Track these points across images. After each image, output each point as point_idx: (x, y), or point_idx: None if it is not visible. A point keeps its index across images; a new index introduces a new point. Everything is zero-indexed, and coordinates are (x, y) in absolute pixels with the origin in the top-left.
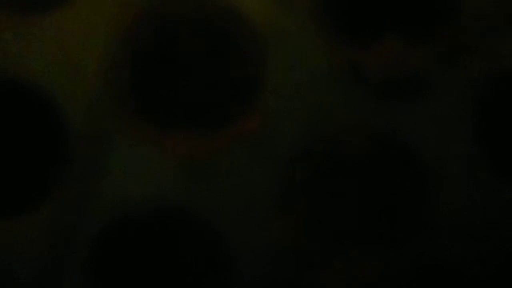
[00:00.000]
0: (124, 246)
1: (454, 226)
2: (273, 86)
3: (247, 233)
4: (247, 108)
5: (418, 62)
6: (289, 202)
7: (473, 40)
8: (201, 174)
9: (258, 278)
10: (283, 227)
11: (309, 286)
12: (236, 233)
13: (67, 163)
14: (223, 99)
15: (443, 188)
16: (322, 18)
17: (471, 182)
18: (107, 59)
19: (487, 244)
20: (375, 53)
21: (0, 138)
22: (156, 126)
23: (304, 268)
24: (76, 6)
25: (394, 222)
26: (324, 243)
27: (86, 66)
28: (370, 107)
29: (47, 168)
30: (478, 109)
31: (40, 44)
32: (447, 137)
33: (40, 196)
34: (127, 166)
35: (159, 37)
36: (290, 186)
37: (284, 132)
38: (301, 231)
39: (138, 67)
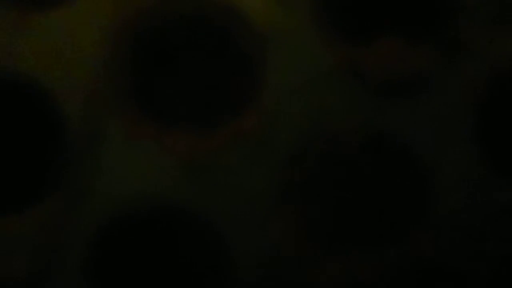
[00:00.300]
0: (123, 245)
1: (453, 226)
2: (272, 85)
3: (246, 232)
4: (246, 107)
5: (418, 62)
6: (288, 202)
7: (473, 40)
8: (200, 172)
9: (257, 278)
10: (282, 226)
11: (308, 286)
12: (235, 232)
13: (64, 161)
14: (222, 97)
15: (442, 188)
16: (322, 17)
17: (470, 182)
18: (106, 57)
19: (486, 244)
20: (375, 52)
21: None
22: (154, 124)
23: (303, 268)
24: (76, 4)
25: (393, 222)
26: (324, 243)
27: (85, 64)
28: (370, 107)
29: (44, 166)
30: (477, 108)
31: (39, 41)
32: (446, 137)
33: (36, 194)
34: (126, 164)
35: (158, 35)
36: (289, 185)
37: (283, 131)
38: (300, 231)
39: (137, 64)
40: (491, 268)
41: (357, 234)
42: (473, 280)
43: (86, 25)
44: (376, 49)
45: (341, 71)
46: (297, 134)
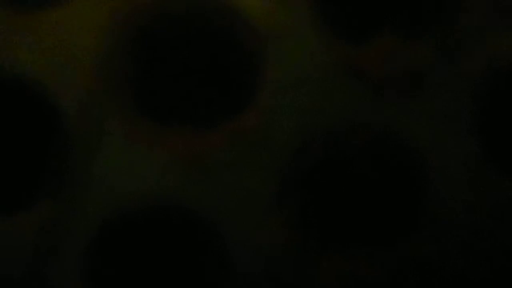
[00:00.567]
0: (121, 245)
1: (453, 224)
2: (272, 83)
3: (245, 230)
4: (246, 106)
5: (416, 58)
6: (288, 200)
7: (471, 36)
8: (199, 171)
9: (256, 276)
10: (280, 224)
11: (306, 284)
12: (234, 230)
13: (63, 161)
14: (221, 96)
15: (441, 185)
16: (321, 16)
17: (470, 179)
18: (104, 56)
19: (486, 242)
20: (373, 50)
21: None
22: (152, 122)
23: (302, 267)
24: (73, 3)
25: (392, 219)
26: (323, 242)
27: (83, 63)
28: (369, 105)
29: (42, 166)
30: (477, 105)
31: (37, 40)
32: (445, 133)
33: (34, 194)
34: (125, 164)
35: (156, 33)
36: (288, 184)
37: (282, 129)
38: (300, 229)
39: (135, 63)
40: (491, 267)
41: (357, 233)
42: (473, 278)
43: (84, 24)
44: (374, 47)
45: (340, 69)
46: (296, 133)
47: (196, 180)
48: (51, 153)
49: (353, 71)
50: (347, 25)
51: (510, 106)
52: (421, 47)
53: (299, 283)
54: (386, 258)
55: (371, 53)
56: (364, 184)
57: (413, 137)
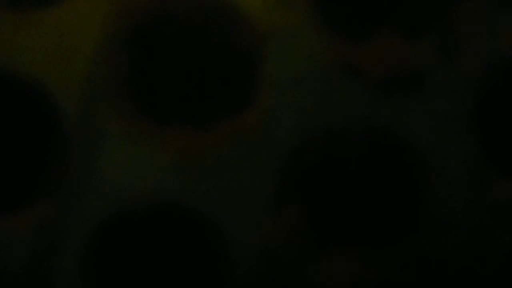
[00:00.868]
0: (120, 242)
1: (452, 223)
2: (271, 82)
3: (245, 229)
4: (246, 105)
5: (416, 57)
6: (287, 199)
7: (470, 34)
8: (197, 170)
9: (254, 274)
10: (281, 224)
11: (304, 283)
12: (234, 228)
13: (62, 159)
14: (221, 95)
15: (441, 184)
16: (320, 15)
17: (470, 178)
18: (102, 53)
19: (486, 242)
20: (372, 48)
21: None
22: (151, 122)
23: (300, 265)
24: (73, 2)
25: (392, 219)
26: (321, 240)
27: (82, 62)
28: (368, 103)
29: (39, 164)
30: (476, 103)
31: (37, 39)
32: (445, 132)
33: (34, 193)
34: (124, 163)
35: (155, 31)
36: (288, 182)
37: (282, 128)
38: (300, 228)
39: (134, 62)
40: (491, 266)
41: (356, 233)
42: (473, 278)
43: (83, 24)
44: (374, 46)
45: (340, 68)
46: (296, 132)
47: (196, 179)
48: (51, 152)
49: (353, 70)
50: (346, 24)
51: (509, 106)
52: (421, 46)
53: (298, 282)
54: (386, 258)
55: (371, 52)
56: (363, 183)
57: (412, 136)
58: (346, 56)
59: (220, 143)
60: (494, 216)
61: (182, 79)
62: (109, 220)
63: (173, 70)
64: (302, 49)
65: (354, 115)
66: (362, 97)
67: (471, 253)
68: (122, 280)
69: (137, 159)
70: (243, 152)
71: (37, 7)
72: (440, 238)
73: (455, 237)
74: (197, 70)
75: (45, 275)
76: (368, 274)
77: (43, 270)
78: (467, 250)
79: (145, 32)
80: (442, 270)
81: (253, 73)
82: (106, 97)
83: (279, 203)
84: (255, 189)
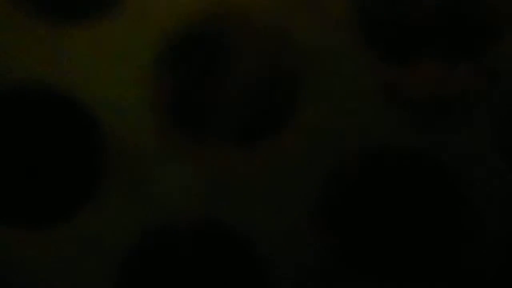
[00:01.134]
0: (159, 259)
1: (493, 251)
2: (312, 104)
3: (283, 248)
4: (285, 124)
5: (457, 82)
6: (325, 220)
7: (510, 61)
8: (235, 188)
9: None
10: (319, 243)
11: None
12: (271, 247)
13: (103, 175)
14: (261, 113)
15: (482, 208)
16: (363, 38)
17: (509, 201)
18: (147, 72)
19: None
20: (414, 72)
21: (39, 148)
22: (190, 138)
23: (340, 286)
24: (117, 18)
25: (432, 245)
26: (361, 262)
27: (122, 76)
28: (408, 127)
29: (83, 181)
30: None
31: (78, 53)
32: (485, 157)
33: (72, 205)
34: (164, 180)
35: (199, 51)
36: (323, 205)
37: (321, 149)
38: (337, 248)
39: (177, 80)
40: None
41: (394, 256)
42: None
43: (128, 40)
44: (415, 69)
45: (380, 92)
46: (334, 153)
47: (233, 198)
48: (91, 166)
49: (393, 94)
50: (389, 49)
51: None
52: (462, 71)
53: None
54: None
55: (412, 76)
56: (403, 205)
57: (453, 159)
58: (387, 80)
59: (259, 162)
60: None
61: (222, 98)
62: (149, 234)
63: (213, 89)
64: (343, 71)
65: (393, 138)
66: (402, 121)
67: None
68: None
69: (176, 175)
70: (280, 172)
71: (78, 23)
72: (483, 259)
73: (496, 257)
74: (238, 89)
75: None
76: None
77: (82, 285)
78: (508, 268)
79: (188, 52)
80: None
81: (293, 94)
82: (147, 114)
83: (318, 223)
84: (294, 208)
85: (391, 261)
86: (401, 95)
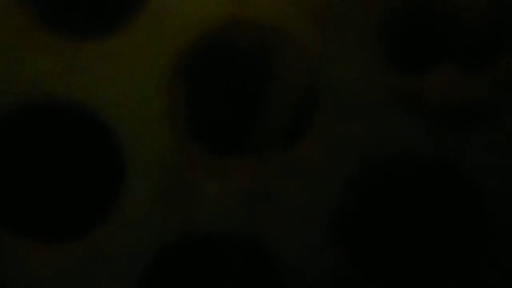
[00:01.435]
0: (182, 274)
1: (509, 263)
2: (328, 112)
3: (301, 257)
4: (302, 134)
5: (474, 91)
6: (343, 228)
7: None
8: (253, 200)
9: None
10: (337, 253)
11: None
12: (289, 257)
13: (121, 189)
14: (278, 124)
15: (502, 216)
16: (377, 45)
17: None
18: (164, 87)
19: None
20: (431, 80)
21: (55, 163)
22: (209, 151)
23: None
24: (131, 32)
25: (450, 254)
26: (377, 273)
27: (144, 91)
28: (425, 135)
29: (101, 194)
30: None
31: (97, 68)
32: (504, 166)
33: (89, 220)
34: (182, 193)
35: (217, 64)
36: (343, 212)
37: (339, 158)
38: (355, 257)
39: (193, 94)
40: None
41: (412, 265)
42: None
43: (143, 54)
44: (432, 77)
45: (397, 100)
46: (352, 161)
47: (253, 208)
48: (108, 178)
49: (411, 102)
50: (404, 55)
51: None
52: (479, 79)
53: None
54: None
55: (429, 84)
56: (419, 214)
57: (469, 169)
58: (404, 88)
59: (279, 173)
60: None
61: (239, 109)
62: (169, 248)
63: (230, 100)
64: (359, 79)
65: (411, 147)
66: (419, 130)
67: None
68: None
69: (197, 189)
70: (299, 182)
71: (94, 36)
72: (495, 280)
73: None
74: (254, 101)
75: None
76: None
77: None
78: None
79: (203, 62)
80: None
81: (310, 103)
82: (166, 126)
83: (335, 232)
84: (312, 218)
85: (410, 271)
86: (419, 103)
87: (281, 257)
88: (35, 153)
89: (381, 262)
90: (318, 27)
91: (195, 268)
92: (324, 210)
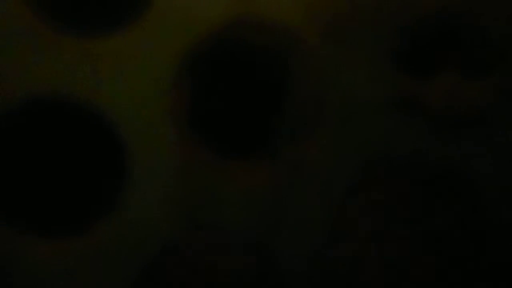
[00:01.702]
0: (180, 272)
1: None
2: (331, 115)
3: (303, 259)
4: (306, 135)
5: (477, 96)
6: (344, 230)
7: None
8: (257, 201)
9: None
10: (338, 256)
11: None
12: (291, 259)
13: (124, 186)
14: (281, 126)
15: (501, 221)
16: (381, 49)
17: None
18: (168, 84)
19: None
20: (433, 85)
21: (58, 160)
22: (213, 153)
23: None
24: (137, 30)
25: (451, 255)
26: (377, 276)
27: (148, 89)
28: (427, 139)
29: (104, 191)
30: None
31: (102, 66)
32: (505, 170)
33: (90, 217)
34: (183, 190)
35: (223, 63)
36: (345, 214)
37: (341, 160)
38: (355, 261)
39: (198, 93)
40: None
41: (413, 267)
42: None
43: (148, 51)
44: (435, 81)
45: (400, 102)
46: (354, 164)
47: (256, 210)
48: (112, 175)
49: (413, 106)
50: (408, 60)
51: None
52: (481, 84)
53: None
54: None
55: (431, 88)
56: (421, 217)
57: (472, 172)
58: (408, 92)
59: (280, 175)
60: None
61: (243, 111)
62: (169, 248)
63: (235, 101)
64: (363, 84)
65: (413, 151)
66: (421, 134)
67: None
68: None
69: (198, 190)
70: (303, 183)
71: (99, 35)
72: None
73: None
74: (259, 103)
75: None
76: None
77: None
78: None
79: (209, 61)
80: None
81: (314, 105)
82: (167, 127)
83: (337, 234)
84: (313, 220)
85: (408, 274)
86: (422, 107)
87: (282, 258)
88: (39, 149)
89: (382, 265)
90: (325, 28)
91: (198, 265)
92: (327, 212)
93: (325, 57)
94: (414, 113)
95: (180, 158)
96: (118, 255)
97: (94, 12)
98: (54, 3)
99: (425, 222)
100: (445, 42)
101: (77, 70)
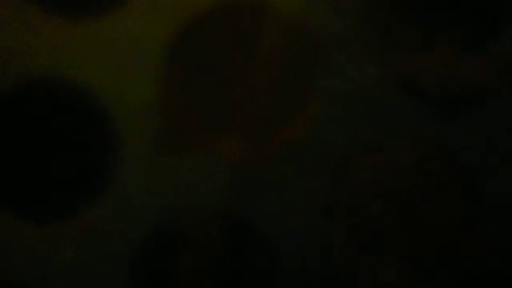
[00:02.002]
0: (171, 254)
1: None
2: (322, 93)
3: (295, 238)
4: (296, 114)
5: (471, 73)
6: (336, 211)
7: None
8: (246, 180)
9: (306, 282)
10: (331, 234)
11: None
12: (283, 237)
13: (113, 169)
14: (271, 106)
15: (495, 208)
16: (373, 25)
17: None
18: (158, 65)
19: None
20: (426, 61)
21: (46, 143)
22: (202, 131)
23: (353, 277)
24: (128, 11)
25: (443, 235)
26: (371, 252)
27: (137, 71)
28: (420, 117)
29: (91, 174)
30: None
31: (92, 48)
32: (499, 151)
33: (80, 200)
34: (175, 174)
35: (211, 45)
36: (337, 193)
37: (331, 139)
38: (347, 237)
39: (189, 73)
40: None
41: (406, 245)
42: None
43: (139, 32)
44: (428, 58)
45: (391, 79)
46: (344, 143)
47: (244, 189)
48: (100, 160)
49: (405, 83)
50: (400, 36)
51: None
52: (476, 61)
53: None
54: (435, 276)
55: (424, 65)
56: (414, 198)
57: (466, 152)
58: (400, 70)
59: (271, 154)
60: None
61: (231, 90)
62: (158, 228)
63: (225, 82)
64: (354, 61)
65: (405, 130)
66: (414, 112)
67: None
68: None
69: (189, 170)
70: (292, 163)
71: (90, 16)
72: (499, 263)
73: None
74: (248, 83)
75: (93, 280)
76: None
77: (91, 276)
78: None
79: (199, 45)
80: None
81: (303, 84)
82: (162, 109)
83: (329, 214)
84: (304, 199)
85: (401, 252)
86: (413, 84)
87: (273, 236)
88: (27, 132)
89: (375, 243)
90: (313, 7)
91: (189, 250)
92: (317, 189)
93: (318, 34)
94: (406, 91)
95: (172, 140)
96: (107, 238)
97: None
98: None
99: (419, 205)
100: (439, 14)
101: (66, 51)
